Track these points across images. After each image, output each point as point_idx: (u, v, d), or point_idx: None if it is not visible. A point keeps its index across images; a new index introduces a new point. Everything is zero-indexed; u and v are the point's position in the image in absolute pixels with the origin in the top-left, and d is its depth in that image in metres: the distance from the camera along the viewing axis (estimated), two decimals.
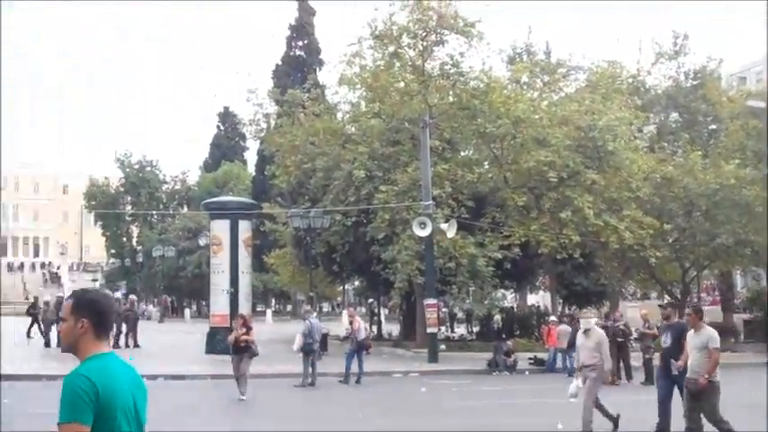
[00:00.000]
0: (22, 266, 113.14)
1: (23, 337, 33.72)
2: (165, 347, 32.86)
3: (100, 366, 3.55)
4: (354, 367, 21.90)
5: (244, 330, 18.06)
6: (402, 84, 32.71)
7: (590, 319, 14.18)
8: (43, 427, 3.39)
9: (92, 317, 3.64)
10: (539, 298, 50.39)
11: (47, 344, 31.22)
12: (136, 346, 31.82)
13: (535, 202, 31.60)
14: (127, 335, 31.97)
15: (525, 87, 34.78)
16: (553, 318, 29.27)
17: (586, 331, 13.37)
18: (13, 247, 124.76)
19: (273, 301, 74.92)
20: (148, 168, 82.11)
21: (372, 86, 32.83)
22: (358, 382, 21.69)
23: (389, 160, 32.62)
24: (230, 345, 18.33)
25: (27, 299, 74.54)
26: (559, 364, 25.17)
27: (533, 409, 16.87)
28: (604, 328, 22.48)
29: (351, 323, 23.49)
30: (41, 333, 32.72)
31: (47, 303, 33.91)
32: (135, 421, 3.62)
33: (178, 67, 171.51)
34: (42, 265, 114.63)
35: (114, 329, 29.28)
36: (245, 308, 27.91)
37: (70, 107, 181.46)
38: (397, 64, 32.58)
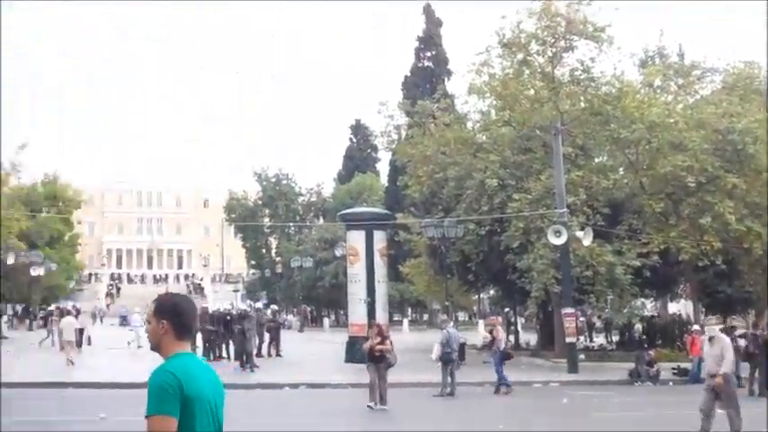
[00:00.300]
0: (166, 278, 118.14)
1: None
2: (305, 356, 33.68)
3: (182, 364, 3.77)
4: (491, 376, 21.99)
5: (379, 339, 18.19)
6: (532, 91, 32.65)
7: (714, 326, 13.95)
8: None
9: (172, 319, 3.88)
10: (680, 306, 48.95)
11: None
12: (278, 355, 32.79)
13: (673, 207, 30.87)
14: (270, 344, 32.99)
15: (659, 91, 34.06)
16: (696, 326, 28.43)
17: (711, 339, 13.18)
18: (158, 259, 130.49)
19: (410, 310, 75.53)
20: (284, 181, 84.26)
21: (502, 95, 32.87)
22: (497, 392, 21.74)
23: (521, 168, 32.55)
24: (365, 354, 18.61)
25: None
26: (704, 374, 24.46)
27: (682, 421, 16.53)
28: (753, 336, 21.91)
29: (491, 332, 23.55)
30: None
31: None
32: (215, 418, 3.81)
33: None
34: (186, 277, 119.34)
35: (257, 339, 30.31)
36: (382, 317, 28.37)
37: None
38: (527, 71, 32.51)
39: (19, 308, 71.14)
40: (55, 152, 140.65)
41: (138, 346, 36.46)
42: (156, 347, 3.93)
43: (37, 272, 53.14)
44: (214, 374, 3.95)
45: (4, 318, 53.18)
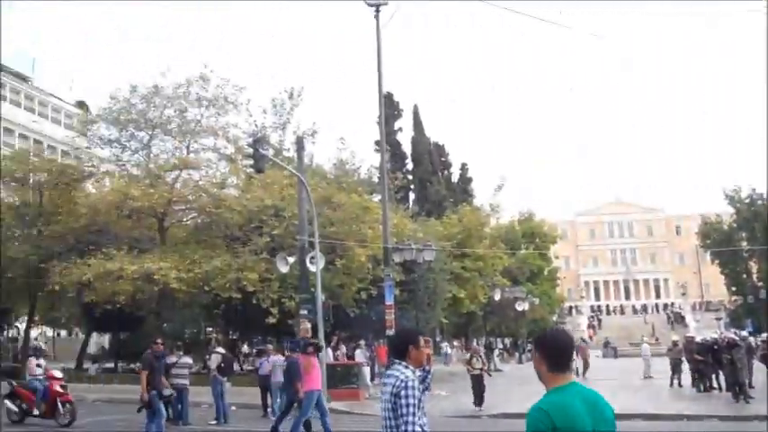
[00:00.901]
0: (645, 308, 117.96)
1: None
2: None
3: (557, 400, 3.86)
4: None
5: None
6: None
7: None
8: None
9: (542, 351, 4.04)
10: None
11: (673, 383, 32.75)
12: None
13: None
14: None
15: None
16: None
17: None
18: (634, 289, 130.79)
19: None
20: (759, 201, 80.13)
21: None
22: None
23: None
24: None
25: (656, 340, 77.76)
26: None
27: None
28: None
29: None
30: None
31: (674, 343, 35.17)
32: None
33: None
34: (665, 306, 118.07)
35: (747, 370, 29.24)
36: None
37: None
38: None
39: (507, 342, 76.45)
40: (525, 189, 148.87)
41: (647, 377, 37.34)
42: (540, 380, 4.11)
43: (522, 306, 56.99)
44: (600, 404, 3.98)
45: (496, 351, 57.55)
